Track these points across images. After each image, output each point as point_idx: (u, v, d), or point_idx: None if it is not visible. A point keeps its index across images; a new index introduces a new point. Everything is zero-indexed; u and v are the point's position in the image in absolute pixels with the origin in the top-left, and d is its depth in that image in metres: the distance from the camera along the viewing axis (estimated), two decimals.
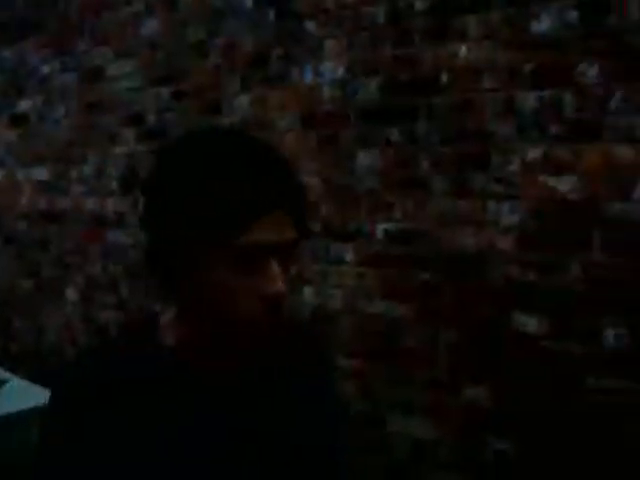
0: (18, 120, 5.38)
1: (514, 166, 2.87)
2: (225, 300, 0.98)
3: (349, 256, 3.32)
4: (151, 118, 4.22)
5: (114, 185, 4.52)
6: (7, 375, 3.47)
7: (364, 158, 3.27)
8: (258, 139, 1.03)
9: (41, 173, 5.13)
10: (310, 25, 3.46)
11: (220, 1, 3.83)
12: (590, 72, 2.71)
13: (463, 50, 3.00)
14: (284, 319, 1.17)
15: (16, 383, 3.34)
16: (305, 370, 1.21)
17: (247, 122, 3.73)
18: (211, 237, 0.95)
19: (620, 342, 2.62)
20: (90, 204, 4.68)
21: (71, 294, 4.84)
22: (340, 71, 3.35)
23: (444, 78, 3.05)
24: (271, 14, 3.61)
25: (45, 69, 5.11)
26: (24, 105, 5.33)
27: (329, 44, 3.39)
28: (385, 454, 3.23)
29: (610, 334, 2.65)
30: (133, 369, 1.05)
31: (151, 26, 4.24)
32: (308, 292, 3.51)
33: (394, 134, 3.19)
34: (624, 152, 2.64)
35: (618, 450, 2.60)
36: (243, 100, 3.71)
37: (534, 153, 2.82)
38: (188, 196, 0.95)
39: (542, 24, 2.81)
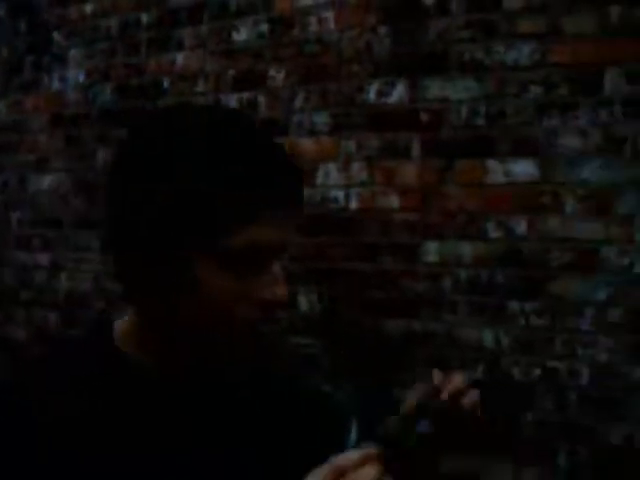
0: None
1: None
2: (217, 307, 0.81)
3: (95, 243, 3.67)
4: None
5: None
6: None
7: (103, 155, 3.63)
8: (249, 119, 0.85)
9: None
10: (57, 35, 3.80)
11: None
12: (279, 76, 3.18)
13: (180, 58, 3.42)
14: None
15: None
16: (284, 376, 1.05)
17: (5, 125, 4.03)
18: (202, 237, 0.78)
19: (311, 307, 3.09)
20: None
21: None
22: (81, 77, 3.71)
23: (165, 83, 3.45)
24: (23, 25, 3.92)
25: None
26: None
27: (72, 53, 3.74)
28: None
29: (304, 301, 3.12)
30: (91, 379, 0.86)
31: None
32: (63, 277, 3.85)
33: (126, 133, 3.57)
34: (307, 144, 3.12)
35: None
36: (2, 105, 4.01)
37: None
38: (166, 184, 0.77)
39: (241, 35, 3.26)
